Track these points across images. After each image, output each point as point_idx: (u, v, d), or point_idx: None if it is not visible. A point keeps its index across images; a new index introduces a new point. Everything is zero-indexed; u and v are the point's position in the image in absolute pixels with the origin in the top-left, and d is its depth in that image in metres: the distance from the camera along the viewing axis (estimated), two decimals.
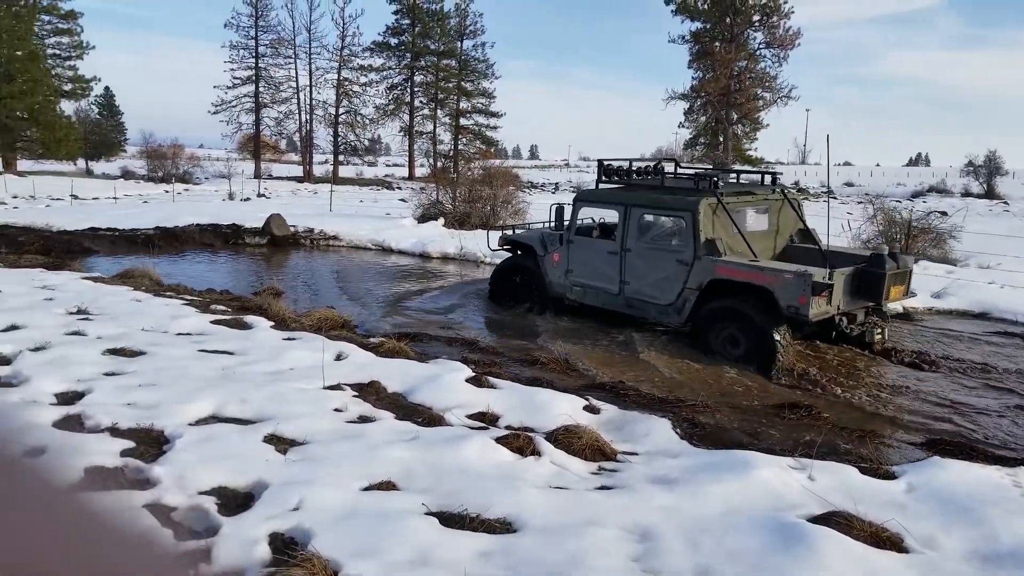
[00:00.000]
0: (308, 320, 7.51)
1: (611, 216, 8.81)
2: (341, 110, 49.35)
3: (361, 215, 19.91)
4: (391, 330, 7.71)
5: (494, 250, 10.43)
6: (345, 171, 51.44)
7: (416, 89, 52.65)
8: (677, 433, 4.87)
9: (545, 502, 3.60)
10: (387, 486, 3.72)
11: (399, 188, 40.95)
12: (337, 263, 13.42)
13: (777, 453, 4.56)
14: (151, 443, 4.08)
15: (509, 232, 10.06)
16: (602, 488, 3.91)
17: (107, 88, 59.26)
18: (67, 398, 4.68)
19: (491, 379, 5.79)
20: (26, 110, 39.80)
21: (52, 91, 42.24)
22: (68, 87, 45.21)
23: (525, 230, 10.31)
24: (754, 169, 7.90)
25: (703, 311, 7.50)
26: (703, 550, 3.28)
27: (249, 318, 7.34)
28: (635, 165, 8.94)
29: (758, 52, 42.49)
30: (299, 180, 46.11)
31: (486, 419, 4.92)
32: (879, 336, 7.71)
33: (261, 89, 49.52)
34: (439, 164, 48.88)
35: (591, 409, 5.24)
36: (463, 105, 52.73)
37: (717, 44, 42.55)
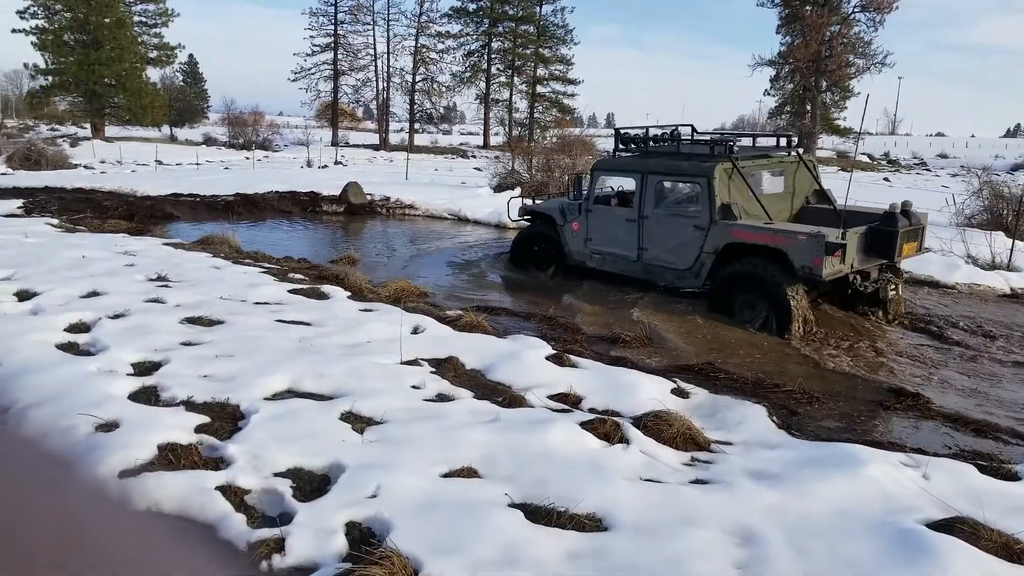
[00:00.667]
0: (384, 291, 7.38)
1: (629, 184, 8.98)
2: (418, 77, 49.39)
3: (437, 184, 19.80)
4: (468, 303, 7.51)
5: (514, 220, 10.77)
6: (420, 139, 51.62)
7: (493, 56, 52.13)
8: (774, 421, 4.51)
9: (637, 496, 3.32)
10: (468, 473, 3.50)
11: (474, 157, 40.78)
12: (413, 232, 13.32)
13: (886, 447, 4.15)
14: (226, 418, 3.97)
15: (529, 202, 10.40)
16: (697, 482, 3.60)
17: (191, 56, 61.00)
18: (144, 368, 4.63)
19: (572, 357, 5.53)
20: (114, 77, 41.24)
21: (138, 58, 43.59)
22: (153, 54, 46.58)
23: (545, 200, 10.58)
24: (770, 133, 7.98)
25: (720, 275, 7.62)
26: (813, 558, 2.96)
27: (326, 288, 7.25)
28: (651, 132, 9.00)
29: (852, 16, 40.01)
30: (375, 148, 46.49)
31: (568, 401, 4.66)
32: (893, 292, 7.76)
33: (339, 56, 49.98)
34: (515, 132, 48.44)
35: (680, 392, 4.91)
36: (540, 72, 51.97)
37: (808, 7, 40.30)
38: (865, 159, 43.23)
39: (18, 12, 40.83)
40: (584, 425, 4.05)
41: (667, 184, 8.38)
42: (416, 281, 8.25)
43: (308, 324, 5.94)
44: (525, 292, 8.66)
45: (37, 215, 12.08)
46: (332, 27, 49.43)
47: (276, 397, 4.35)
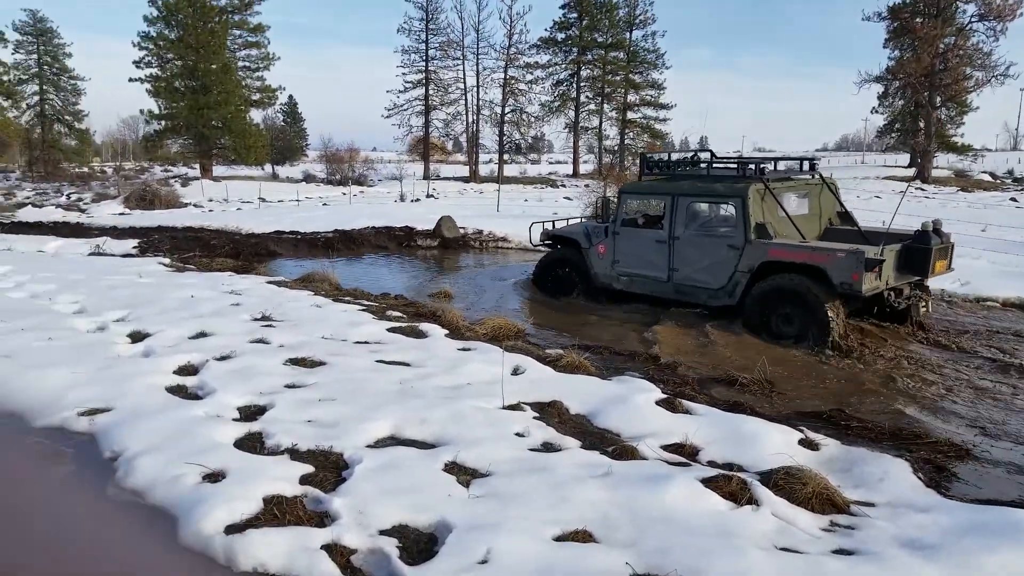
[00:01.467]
0: (482, 329, 7.23)
1: (656, 207, 9.32)
2: (507, 109, 49.89)
3: (528, 215, 19.74)
4: (568, 341, 7.27)
5: (535, 245, 10.93)
6: (509, 169, 52.02)
7: (582, 84, 52.17)
8: (920, 479, 4.04)
9: (774, 570, 2.96)
10: (583, 536, 3.24)
11: (563, 186, 40.75)
12: (508, 266, 13.21)
13: None
14: (330, 468, 3.86)
15: (550, 227, 10.57)
16: (840, 552, 3.21)
17: (291, 96, 63.92)
18: (249, 413, 4.61)
19: (685, 402, 5.19)
20: (220, 119, 43.62)
21: (243, 101, 45.94)
22: (256, 97, 48.95)
23: (565, 224, 10.69)
24: (793, 156, 8.92)
25: (755, 292, 7.84)
26: None
27: (424, 326, 7.17)
28: (675, 158, 9.38)
29: (969, 26, 37.63)
30: (465, 180, 47.16)
31: (685, 452, 4.32)
32: (924, 309, 8.09)
33: (431, 92, 51.13)
34: (606, 160, 48.20)
35: (808, 444, 4.49)
36: (631, 98, 51.62)
37: (919, 19, 38.41)
38: (987, 178, 40.39)
39: (135, 62, 43.98)
40: (706, 482, 3.71)
41: (699, 205, 8.61)
42: (513, 317, 8.08)
43: (408, 365, 5.84)
44: (623, 327, 8.32)
45: (151, 254, 12.67)
46: (423, 64, 50.71)
47: (379, 444, 4.22)
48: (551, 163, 73.34)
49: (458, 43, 49.98)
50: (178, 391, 4.94)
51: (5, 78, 47.10)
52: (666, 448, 4.36)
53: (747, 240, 7.88)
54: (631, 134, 51.81)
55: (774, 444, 4.31)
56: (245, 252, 13.41)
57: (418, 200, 29.28)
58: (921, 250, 7.56)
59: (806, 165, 9.12)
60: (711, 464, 4.14)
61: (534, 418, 4.82)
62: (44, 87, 50.42)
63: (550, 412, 4.97)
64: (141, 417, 4.31)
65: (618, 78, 51.24)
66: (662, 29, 68.00)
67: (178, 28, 43.21)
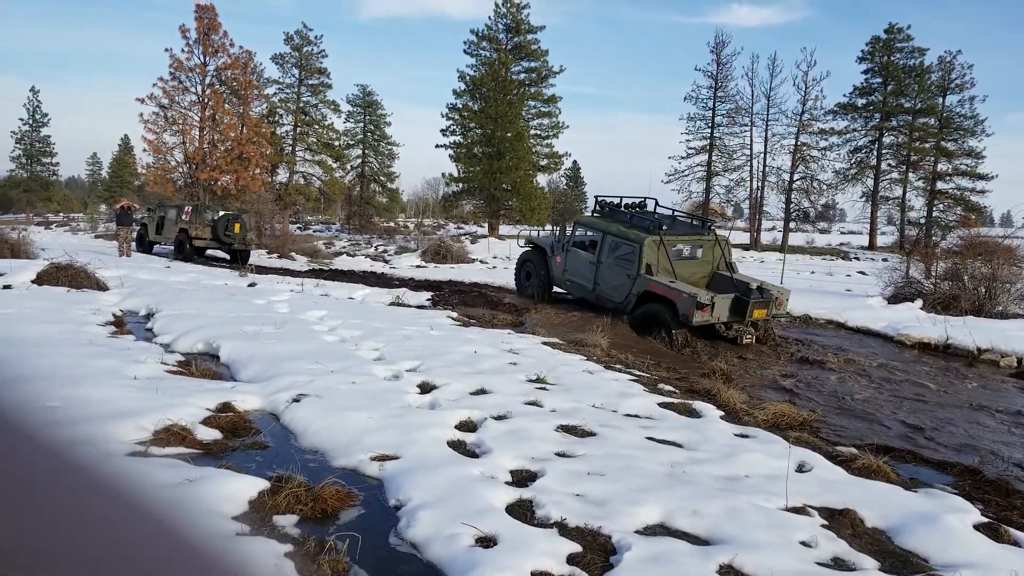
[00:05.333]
0: (762, 414, 6.68)
1: (593, 237, 13.05)
2: (796, 176, 47.50)
3: (817, 290, 18.33)
4: (863, 439, 6.43)
5: (521, 247, 15.73)
6: (794, 238, 49.22)
7: (884, 151, 48.10)
8: None
9: None
10: None
11: (857, 258, 37.48)
12: (794, 345, 12.25)
13: None
14: (598, 550, 3.70)
15: (533, 235, 15.79)
16: None
17: (575, 161, 67.08)
18: (521, 478, 4.63)
19: (1013, 531, 4.28)
20: (510, 183, 47.09)
21: (531, 166, 49.21)
22: (544, 162, 52.17)
23: (540, 234, 16.03)
24: (692, 214, 15.36)
25: (638, 310, 11.62)
26: None
27: (697, 404, 6.81)
28: (621, 202, 13.37)
29: None
30: (745, 247, 45.43)
31: None
32: (748, 339, 11.46)
33: (714, 158, 50.51)
34: (911, 233, 43.65)
35: None
36: (941, 167, 46.42)
37: None
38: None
39: (441, 130, 49.82)
40: None
41: (617, 243, 12.23)
42: (797, 403, 7.38)
43: (679, 446, 5.55)
44: (930, 429, 7.19)
45: (441, 307, 13.75)
46: (709, 130, 50.37)
47: (648, 532, 3.98)
48: (842, 233, 68.15)
49: (747, 110, 48.95)
50: (458, 447, 5.14)
51: (337, 143, 55.72)
52: None
53: (639, 273, 11.62)
54: (941, 206, 46.41)
55: None
56: (522, 311, 13.99)
57: None
58: (744, 302, 11.06)
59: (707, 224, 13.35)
60: None
61: (822, 526, 4.26)
62: (366, 151, 58.48)
63: (841, 521, 4.37)
64: (425, 469, 4.53)
65: (927, 145, 46.43)
66: (983, 94, 60.40)
67: (481, 100, 47.82)
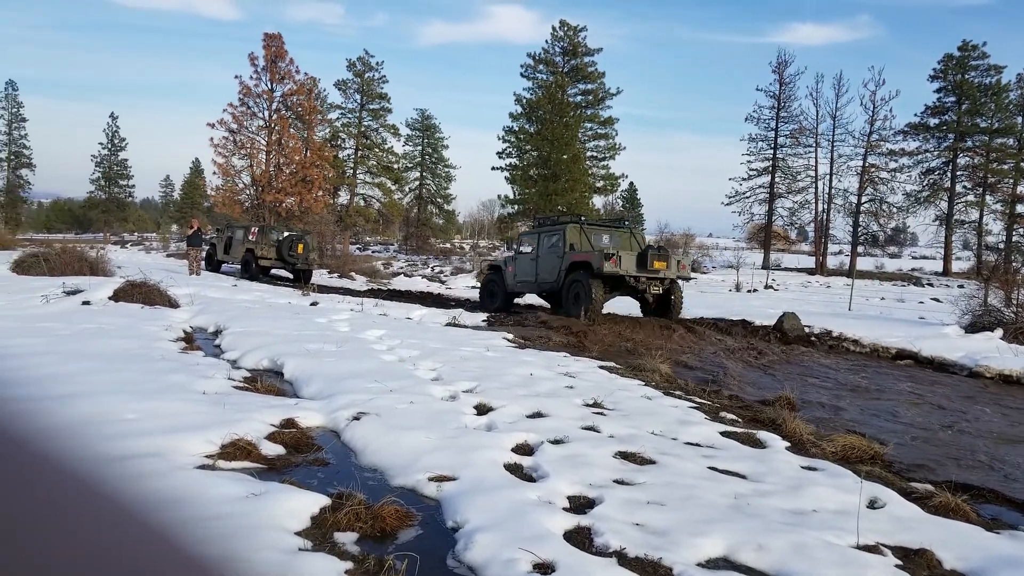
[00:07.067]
0: (830, 446, 6.45)
1: (532, 242, 16.81)
2: (864, 198, 46.26)
3: (887, 318, 17.72)
4: (940, 476, 6.14)
5: (483, 272, 19.96)
6: (863, 263, 47.82)
7: (959, 173, 46.48)
8: None
9: None
10: None
11: (930, 284, 36.17)
12: (861, 374, 11.85)
13: None
14: None
15: (491, 260, 20.45)
16: None
17: (631, 183, 66.83)
18: (579, 504, 4.57)
19: None
20: (566, 205, 47.09)
21: (587, 188, 49.21)
22: (600, 184, 52.09)
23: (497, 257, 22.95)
24: (615, 218, 21.62)
25: (567, 279, 15.08)
26: None
27: (762, 434, 6.63)
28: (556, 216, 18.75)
29: None
30: (810, 272, 44.37)
31: None
32: (655, 292, 15.21)
33: (776, 179, 49.62)
34: (989, 258, 41.97)
35: None
36: (1021, 189, 44.59)
37: None
38: None
39: (497, 153, 50.45)
40: None
41: (549, 237, 16.20)
42: (869, 437, 7.10)
43: (743, 477, 5.39)
44: (1013, 470, 6.82)
45: (496, 328, 13.77)
46: (771, 151, 49.54)
47: (710, 565, 3.87)
48: (914, 258, 65.87)
49: (811, 130, 48.09)
50: (515, 470, 5.11)
51: (396, 166, 56.87)
52: None
53: (564, 252, 15.45)
54: (1021, 230, 44.46)
55: None
56: (578, 332, 13.91)
57: (755, 291, 28.15)
58: (645, 254, 14.57)
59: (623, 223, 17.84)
60: None
61: (896, 566, 4.07)
62: (424, 173, 59.53)
63: (917, 562, 4.16)
64: (482, 491, 4.51)
65: (1006, 167, 44.63)
66: None
67: (537, 123, 48.19)
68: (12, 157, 72.97)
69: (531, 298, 19.88)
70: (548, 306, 17.72)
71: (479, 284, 27.61)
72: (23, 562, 0.37)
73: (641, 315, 16.10)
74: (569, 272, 14.92)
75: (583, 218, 16.44)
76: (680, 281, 15.62)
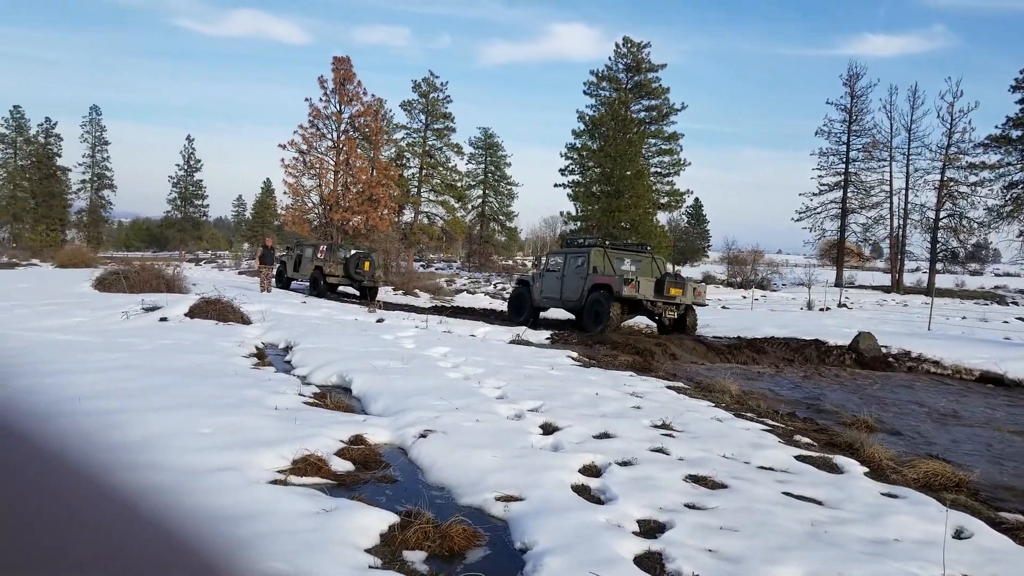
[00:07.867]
0: (912, 472, 6.16)
1: (561, 262, 17.92)
2: (942, 213, 44.51)
3: (969, 338, 16.91)
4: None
5: (513, 285, 21.14)
6: (942, 280, 45.92)
7: None
8: None
9: None
10: None
11: (1015, 303, 34.46)
12: (945, 397, 11.33)
13: None
14: None
15: (520, 275, 22.98)
16: None
17: (696, 199, 65.96)
18: (648, 528, 4.47)
19: None
20: (629, 221, 46.72)
21: (651, 204, 48.74)
22: (664, 200, 51.58)
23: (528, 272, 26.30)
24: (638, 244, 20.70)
25: (589, 299, 16.29)
26: None
27: (838, 459, 6.38)
28: (584, 239, 19.53)
29: None
30: (885, 290, 42.84)
31: None
32: (670, 316, 16.57)
33: (849, 194, 48.22)
34: None
35: None
36: None
37: None
38: None
39: (560, 170, 50.51)
40: None
41: (575, 259, 17.43)
42: (954, 463, 6.76)
43: (819, 503, 5.20)
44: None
45: (560, 346, 13.70)
46: (843, 166, 48.22)
47: None
48: (997, 275, 62.97)
49: (885, 144, 46.66)
50: (582, 491, 5.04)
51: (459, 184, 57.56)
52: None
53: (588, 274, 16.71)
54: None
55: None
56: (643, 352, 13.73)
57: (827, 309, 27.30)
58: (662, 281, 16.08)
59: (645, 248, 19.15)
60: None
61: None
62: (486, 191, 60.04)
63: None
64: (549, 513, 4.46)
65: None
66: None
67: (600, 139, 48.09)
68: (95, 179, 76.93)
69: (553, 312, 20.73)
70: (569, 317, 19.28)
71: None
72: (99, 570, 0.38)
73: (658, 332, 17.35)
74: (591, 292, 16.20)
75: (607, 243, 17.89)
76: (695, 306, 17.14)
